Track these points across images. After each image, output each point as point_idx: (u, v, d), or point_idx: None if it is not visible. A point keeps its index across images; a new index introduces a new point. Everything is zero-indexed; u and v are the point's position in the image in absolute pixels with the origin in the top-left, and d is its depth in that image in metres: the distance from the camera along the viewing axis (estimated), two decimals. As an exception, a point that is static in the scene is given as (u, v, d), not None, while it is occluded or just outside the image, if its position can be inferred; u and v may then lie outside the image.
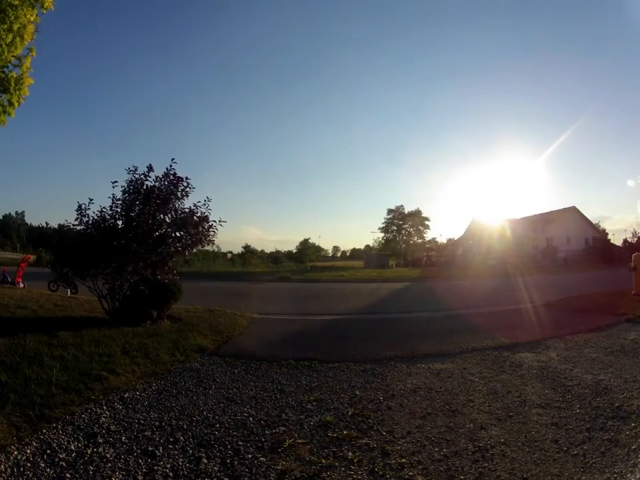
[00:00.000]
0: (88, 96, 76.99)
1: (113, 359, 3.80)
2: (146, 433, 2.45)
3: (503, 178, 72.04)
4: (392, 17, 66.15)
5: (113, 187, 5.84)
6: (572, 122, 66.91)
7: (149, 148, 75.15)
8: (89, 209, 5.84)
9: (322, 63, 75.29)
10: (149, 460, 2.13)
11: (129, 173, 5.88)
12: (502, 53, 67.25)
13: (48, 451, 2.18)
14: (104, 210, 5.83)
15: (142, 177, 5.88)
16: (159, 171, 5.98)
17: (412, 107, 79.08)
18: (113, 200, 5.82)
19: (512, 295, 10.97)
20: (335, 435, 2.45)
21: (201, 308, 7.27)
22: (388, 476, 2.00)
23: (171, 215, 5.98)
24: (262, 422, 2.65)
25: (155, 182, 5.89)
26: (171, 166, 5.94)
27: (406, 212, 45.24)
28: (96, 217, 5.84)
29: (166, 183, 5.91)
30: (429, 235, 45.88)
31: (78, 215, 5.83)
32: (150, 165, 5.95)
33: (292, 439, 2.40)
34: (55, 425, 2.47)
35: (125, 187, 5.86)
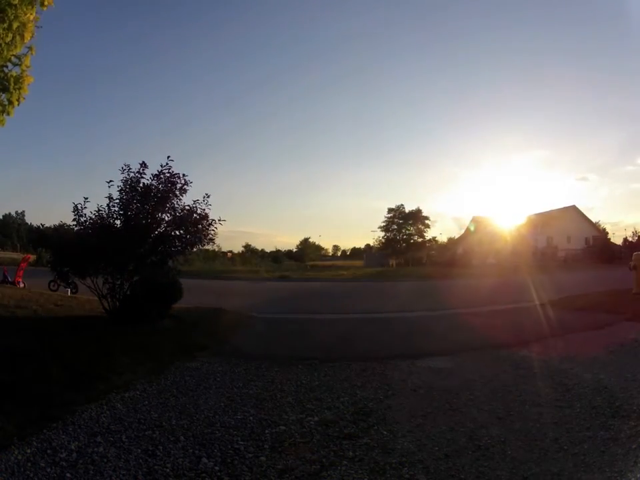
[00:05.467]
0: (88, 94, 76.83)
1: (113, 359, 3.80)
2: (146, 433, 2.45)
3: (504, 177, 72.33)
4: (388, 12, 65.80)
5: (109, 187, 5.82)
6: (572, 120, 67.03)
7: (149, 146, 74.90)
8: (85, 207, 5.83)
9: (323, 58, 74.86)
10: (150, 459, 2.13)
11: (122, 172, 5.86)
12: (502, 50, 67.08)
13: (48, 451, 2.17)
14: (101, 209, 5.81)
15: (137, 174, 5.85)
16: (153, 169, 5.94)
17: (411, 106, 78.92)
18: (109, 199, 5.80)
19: (512, 294, 10.97)
20: (335, 434, 2.45)
21: (202, 307, 7.26)
22: (389, 475, 2.00)
23: (170, 214, 5.95)
24: (262, 421, 2.65)
25: (151, 180, 5.86)
26: (167, 163, 5.91)
27: (406, 211, 45.22)
28: (93, 217, 5.83)
29: (163, 180, 5.87)
30: (429, 234, 45.88)
31: (75, 215, 5.82)
32: (143, 162, 5.91)
33: (292, 438, 2.40)
34: (55, 425, 2.47)
35: (122, 185, 5.83)
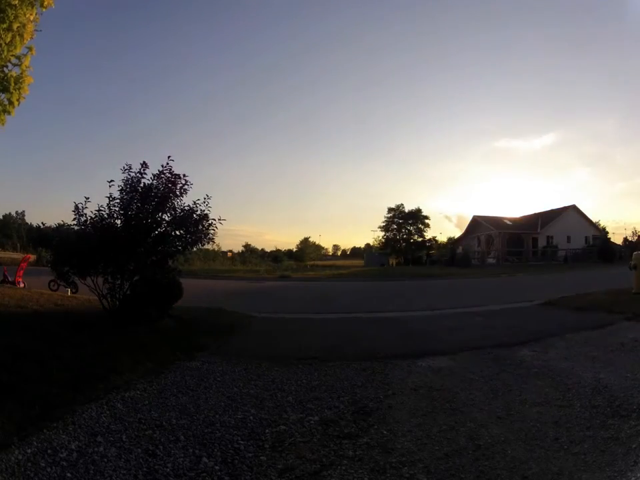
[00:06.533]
0: (88, 92, 76.83)
1: (113, 358, 3.80)
2: (147, 432, 2.45)
3: (504, 176, 72.37)
4: (381, 5, 65.65)
5: (110, 187, 5.83)
6: (573, 119, 67.02)
7: (150, 146, 75.10)
8: (86, 207, 5.83)
9: (323, 52, 74.85)
10: (150, 459, 2.13)
11: (123, 172, 5.87)
12: (502, 48, 67.15)
13: (49, 451, 2.17)
14: (102, 209, 5.82)
15: (138, 174, 5.85)
16: (154, 169, 5.94)
17: (411, 104, 78.93)
18: (110, 199, 5.80)
19: (511, 293, 10.98)
20: (335, 434, 2.45)
21: (202, 307, 7.27)
22: (389, 474, 2.00)
23: (170, 214, 5.96)
24: (263, 421, 2.65)
25: (152, 180, 5.87)
26: (167, 163, 5.90)
27: (406, 211, 45.24)
28: (94, 217, 5.83)
29: (163, 180, 5.88)
30: (429, 234, 45.89)
31: (75, 214, 5.82)
32: (144, 162, 5.90)
33: (292, 438, 2.40)
34: (55, 425, 2.47)
35: (122, 185, 5.84)
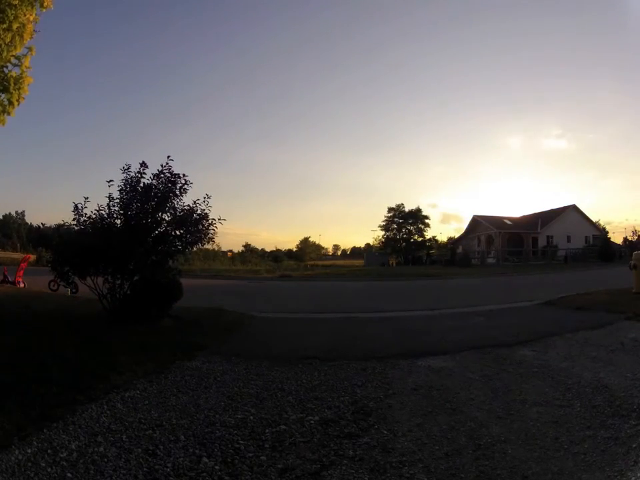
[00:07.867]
0: (89, 93, 76.86)
1: (113, 358, 3.80)
2: (147, 432, 2.45)
3: (504, 176, 72.39)
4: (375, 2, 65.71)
5: (109, 186, 5.83)
6: (573, 117, 66.95)
7: (150, 147, 75.13)
8: (85, 207, 5.84)
9: (324, 49, 74.63)
10: (150, 459, 2.13)
11: (123, 172, 5.87)
12: (502, 47, 67.10)
13: (49, 450, 2.17)
14: (101, 209, 5.82)
15: (137, 174, 5.85)
16: (153, 169, 5.94)
17: (410, 104, 78.91)
18: (109, 199, 5.81)
19: (511, 293, 10.98)
20: (335, 433, 2.45)
21: (202, 307, 7.26)
22: (389, 474, 2.00)
23: (170, 213, 5.96)
24: (263, 420, 2.65)
25: (152, 180, 5.87)
26: (167, 163, 5.90)
27: (406, 210, 45.30)
28: (94, 217, 5.84)
29: (163, 180, 5.87)
30: (429, 234, 45.95)
31: (75, 214, 5.83)
32: (143, 161, 5.90)
33: (293, 438, 2.40)
34: (55, 425, 2.47)
35: (122, 185, 5.84)
